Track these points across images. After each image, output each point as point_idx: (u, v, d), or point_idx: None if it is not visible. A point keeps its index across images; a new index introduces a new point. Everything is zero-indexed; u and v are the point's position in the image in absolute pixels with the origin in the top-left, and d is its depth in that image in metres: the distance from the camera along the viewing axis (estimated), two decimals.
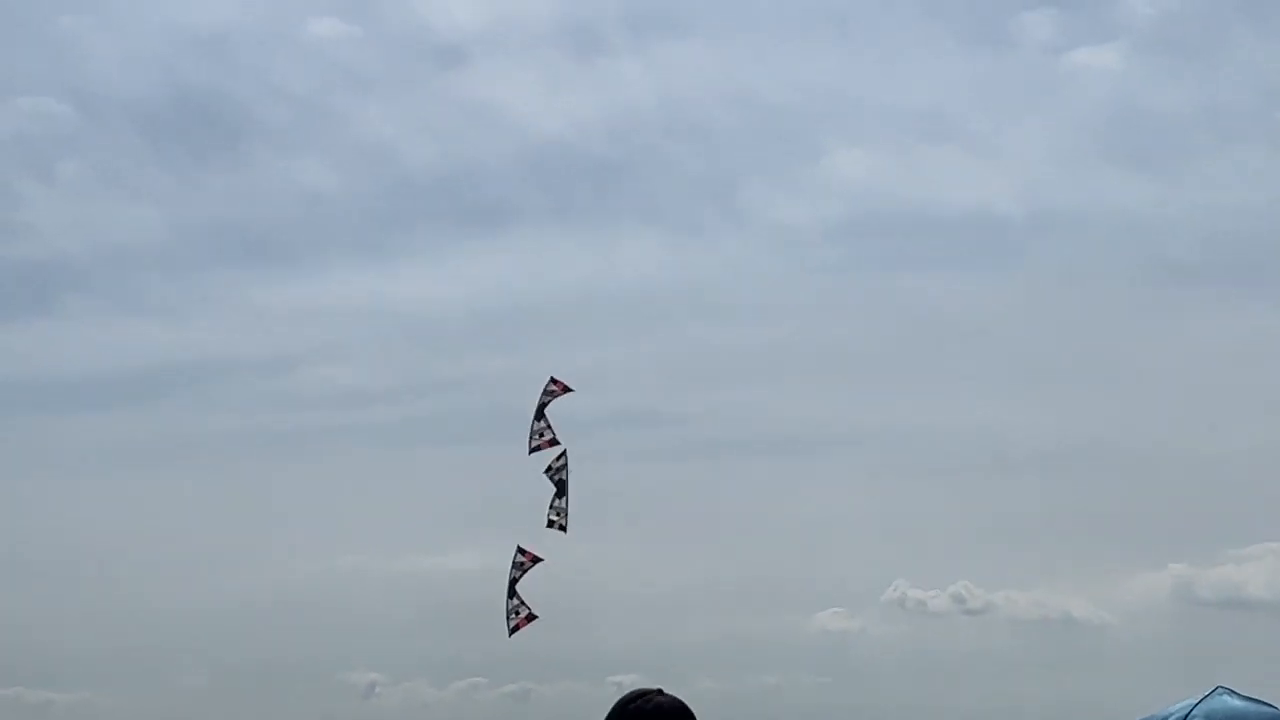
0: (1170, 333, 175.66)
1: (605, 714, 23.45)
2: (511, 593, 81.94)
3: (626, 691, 23.76)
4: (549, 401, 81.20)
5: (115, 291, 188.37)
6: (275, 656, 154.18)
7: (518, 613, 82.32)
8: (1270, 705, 22.45)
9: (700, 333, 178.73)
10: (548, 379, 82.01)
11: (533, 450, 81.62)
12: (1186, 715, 22.49)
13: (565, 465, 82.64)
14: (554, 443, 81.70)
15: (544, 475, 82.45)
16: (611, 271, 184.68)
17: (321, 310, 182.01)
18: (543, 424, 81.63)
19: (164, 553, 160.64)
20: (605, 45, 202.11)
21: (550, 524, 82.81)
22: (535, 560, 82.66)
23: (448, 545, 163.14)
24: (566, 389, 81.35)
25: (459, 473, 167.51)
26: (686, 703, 23.60)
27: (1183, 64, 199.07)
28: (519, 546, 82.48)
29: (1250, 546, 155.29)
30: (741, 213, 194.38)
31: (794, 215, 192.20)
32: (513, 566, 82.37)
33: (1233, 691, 22.79)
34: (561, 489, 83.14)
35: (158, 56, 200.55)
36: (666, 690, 23.80)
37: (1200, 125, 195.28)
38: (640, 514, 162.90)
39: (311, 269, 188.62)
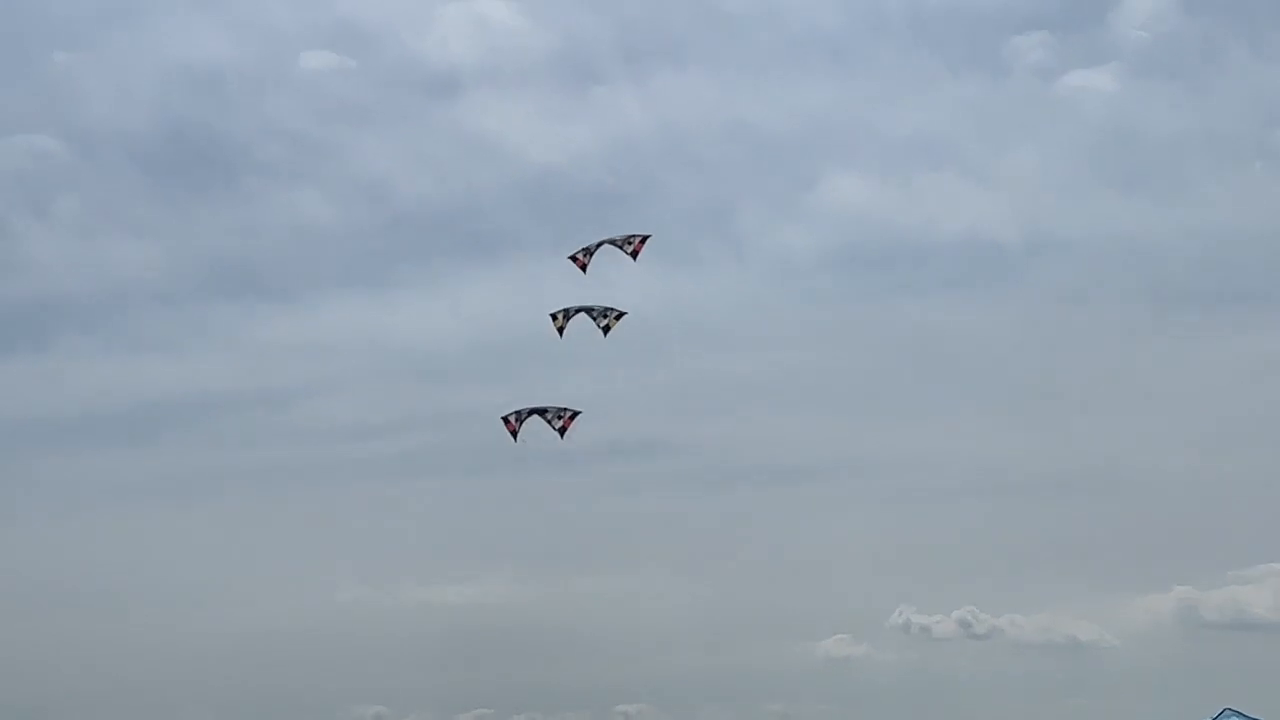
0: (1170, 356, 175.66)
1: None
2: (544, 410, 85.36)
3: None
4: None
5: (113, 327, 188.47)
6: (279, 691, 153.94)
7: (560, 416, 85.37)
8: None
9: (700, 362, 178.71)
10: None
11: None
12: None
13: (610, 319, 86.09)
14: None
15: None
16: (609, 301, 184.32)
17: (319, 344, 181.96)
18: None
19: (166, 587, 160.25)
20: (601, 75, 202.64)
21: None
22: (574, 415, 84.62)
23: (449, 576, 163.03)
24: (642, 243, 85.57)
25: (459, 505, 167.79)
26: None
27: (1177, 86, 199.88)
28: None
29: (1254, 568, 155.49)
30: (739, 241, 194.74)
31: (792, 243, 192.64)
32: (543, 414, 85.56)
33: (1240, 714, 22.63)
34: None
35: (153, 93, 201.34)
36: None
37: (1196, 147, 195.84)
38: (645, 543, 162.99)
39: (308, 303, 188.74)
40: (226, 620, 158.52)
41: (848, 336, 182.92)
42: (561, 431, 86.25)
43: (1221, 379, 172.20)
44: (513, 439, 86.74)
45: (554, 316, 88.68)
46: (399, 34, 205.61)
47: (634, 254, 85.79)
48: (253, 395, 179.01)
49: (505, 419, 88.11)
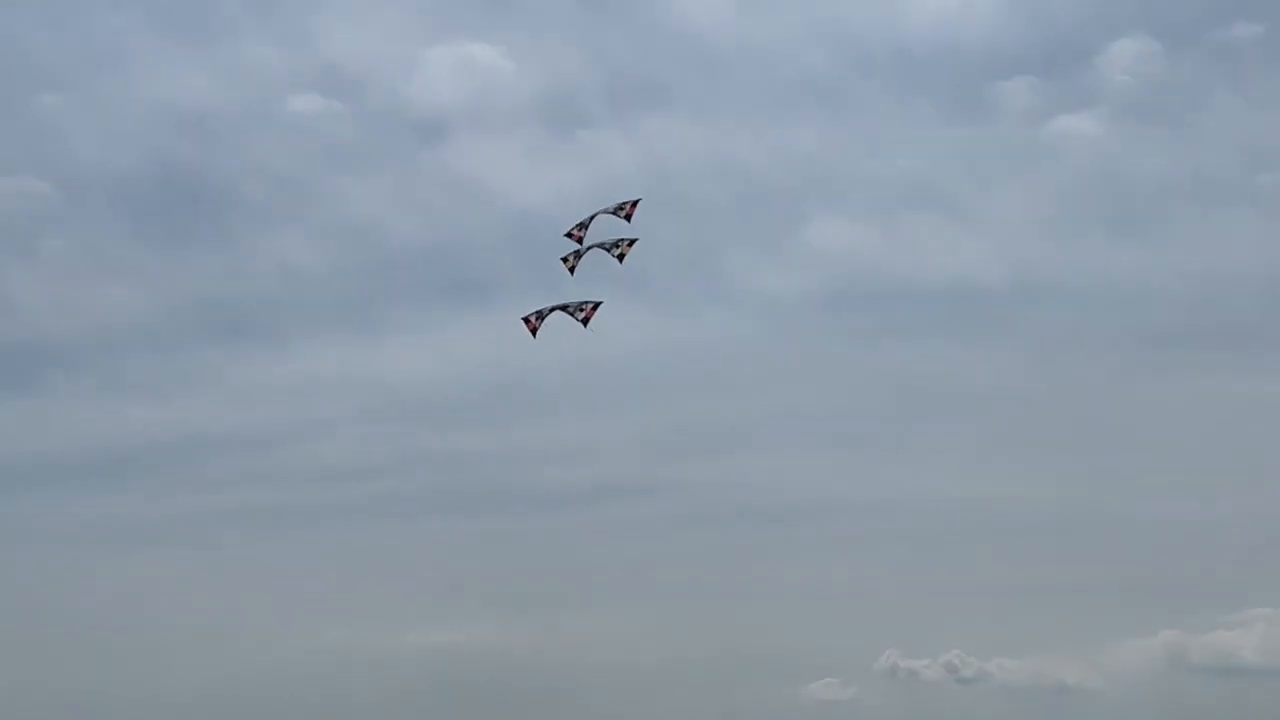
0: (1157, 398, 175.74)
1: None
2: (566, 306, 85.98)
3: None
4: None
5: (99, 370, 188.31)
6: None
7: (582, 308, 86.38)
8: None
9: (687, 404, 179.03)
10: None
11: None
12: None
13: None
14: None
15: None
16: (596, 344, 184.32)
17: (306, 386, 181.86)
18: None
19: (151, 627, 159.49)
20: (587, 118, 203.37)
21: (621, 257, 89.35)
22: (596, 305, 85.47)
23: (436, 618, 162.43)
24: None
25: (446, 546, 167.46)
26: None
27: (1163, 130, 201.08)
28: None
29: (1242, 612, 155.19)
30: (726, 283, 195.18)
31: (778, 285, 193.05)
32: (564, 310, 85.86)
33: None
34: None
35: (140, 135, 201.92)
36: None
37: (1182, 191, 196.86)
38: (630, 586, 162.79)
39: (296, 345, 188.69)
40: (212, 660, 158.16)
41: (835, 378, 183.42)
42: (585, 321, 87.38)
43: (1207, 421, 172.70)
44: (532, 336, 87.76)
45: (526, 320, 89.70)
46: (386, 77, 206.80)
47: (585, 320, 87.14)
48: (239, 437, 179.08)
49: (526, 319, 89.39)
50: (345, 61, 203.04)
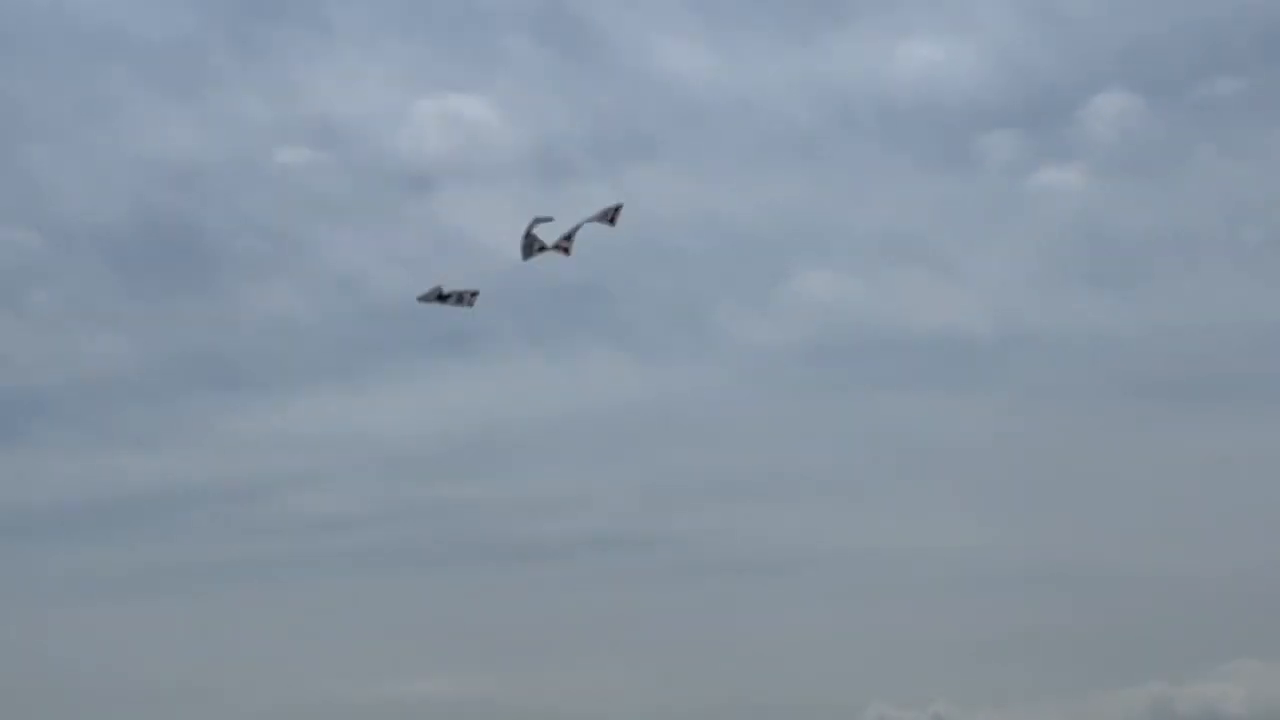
0: (1141, 451, 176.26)
1: None
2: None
3: None
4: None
5: (87, 421, 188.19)
6: None
7: (607, 214, 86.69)
8: None
9: (674, 456, 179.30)
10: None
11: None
12: None
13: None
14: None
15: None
16: (583, 395, 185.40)
17: (295, 437, 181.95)
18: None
19: (140, 682, 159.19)
20: (573, 170, 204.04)
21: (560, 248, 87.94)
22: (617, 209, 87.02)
23: (425, 671, 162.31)
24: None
25: (436, 598, 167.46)
26: None
27: (1145, 183, 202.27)
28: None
29: (1228, 664, 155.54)
30: (712, 335, 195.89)
31: (764, 337, 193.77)
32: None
33: None
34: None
35: (127, 187, 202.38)
36: None
37: (1165, 244, 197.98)
38: (616, 638, 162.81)
39: (283, 396, 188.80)
40: (200, 712, 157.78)
41: (821, 431, 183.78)
42: (611, 222, 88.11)
43: (1192, 473, 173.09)
44: (566, 254, 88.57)
45: (558, 245, 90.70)
46: (373, 129, 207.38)
47: (611, 221, 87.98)
48: (228, 488, 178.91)
49: (557, 245, 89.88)
50: (333, 113, 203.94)
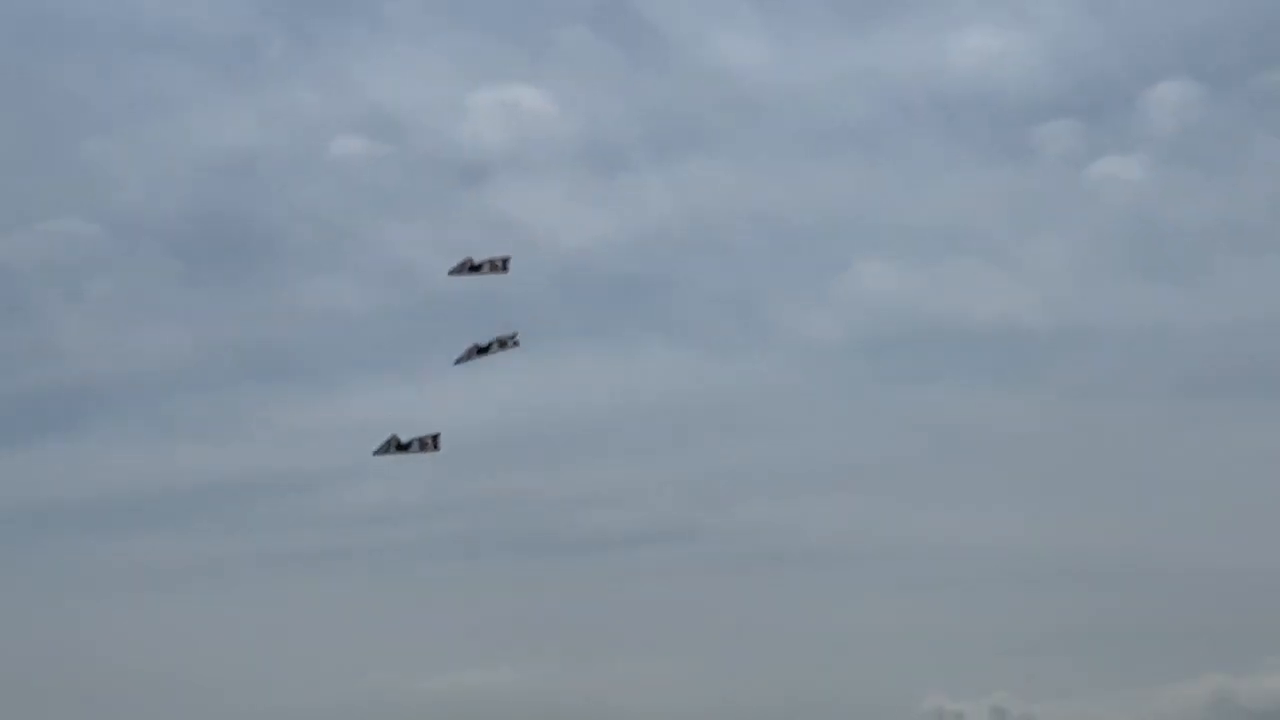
0: (1199, 444, 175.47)
1: None
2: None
3: None
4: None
5: (145, 412, 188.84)
6: None
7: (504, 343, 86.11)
8: None
9: (728, 448, 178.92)
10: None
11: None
12: None
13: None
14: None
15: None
16: (637, 388, 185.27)
17: (350, 428, 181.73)
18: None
19: (197, 672, 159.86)
20: (629, 163, 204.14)
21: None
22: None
23: (477, 662, 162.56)
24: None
25: (488, 589, 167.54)
26: None
27: (1204, 174, 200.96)
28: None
29: None
30: (766, 327, 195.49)
31: (819, 329, 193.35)
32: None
33: None
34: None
35: (185, 178, 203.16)
36: None
37: (1223, 236, 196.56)
38: (670, 630, 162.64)
39: (339, 387, 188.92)
40: (256, 704, 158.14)
41: (876, 423, 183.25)
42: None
43: (1248, 467, 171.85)
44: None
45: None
46: (429, 120, 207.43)
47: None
48: (284, 479, 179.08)
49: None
50: (388, 105, 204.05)
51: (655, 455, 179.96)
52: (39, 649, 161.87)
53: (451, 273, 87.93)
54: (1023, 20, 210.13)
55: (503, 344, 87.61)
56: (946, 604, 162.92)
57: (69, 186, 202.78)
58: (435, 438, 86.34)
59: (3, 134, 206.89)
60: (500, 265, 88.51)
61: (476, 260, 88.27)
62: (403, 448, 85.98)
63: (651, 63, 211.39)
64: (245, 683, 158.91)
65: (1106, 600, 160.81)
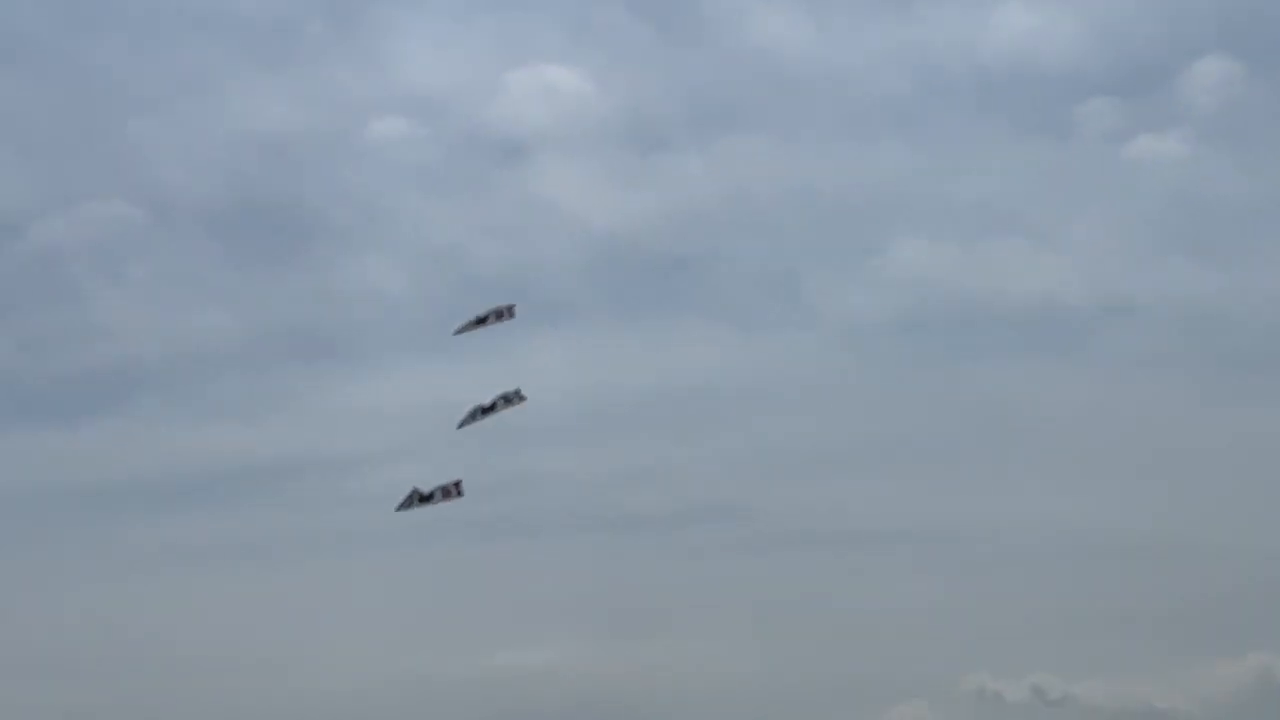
0: (1243, 421, 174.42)
1: None
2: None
3: None
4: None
5: (187, 393, 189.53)
6: None
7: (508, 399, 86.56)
8: None
9: (768, 426, 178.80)
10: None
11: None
12: None
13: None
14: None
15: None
16: (677, 366, 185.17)
17: (390, 409, 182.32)
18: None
19: (239, 651, 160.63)
20: (667, 141, 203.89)
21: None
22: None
23: (517, 643, 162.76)
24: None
25: (529, 570, 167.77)
26: None
27: (1247, 151, 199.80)
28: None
29: None
30: (806, 306, 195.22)
31: (859, 308, 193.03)
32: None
33: None
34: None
35: (226, 160, 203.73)
36: None
37: (1266, 213, 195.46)
38: (711, 608, 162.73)
39: (381, 368, 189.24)
40: (297, 684, 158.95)
41: (917, 401, 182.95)
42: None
43: None
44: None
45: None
46: (467, 100, 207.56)
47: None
48: (325, 460, 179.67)
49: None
50: (427, 85, 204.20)
51: (695, 434, 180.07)
52: (79, 630, 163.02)
53: (456, 333, 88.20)
54: None
55: (500, 315, 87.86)
56: (988, 582, 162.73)
57: (109, 168, 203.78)
58: (458, 484, 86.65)
59: (44, 115, 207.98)
60: (507, 314, 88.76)
61: (483, 312, 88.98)
62: (425, 499, 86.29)
63: (689, 41, 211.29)
64: (289, 663, 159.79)
65: (1149, 579, 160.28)
